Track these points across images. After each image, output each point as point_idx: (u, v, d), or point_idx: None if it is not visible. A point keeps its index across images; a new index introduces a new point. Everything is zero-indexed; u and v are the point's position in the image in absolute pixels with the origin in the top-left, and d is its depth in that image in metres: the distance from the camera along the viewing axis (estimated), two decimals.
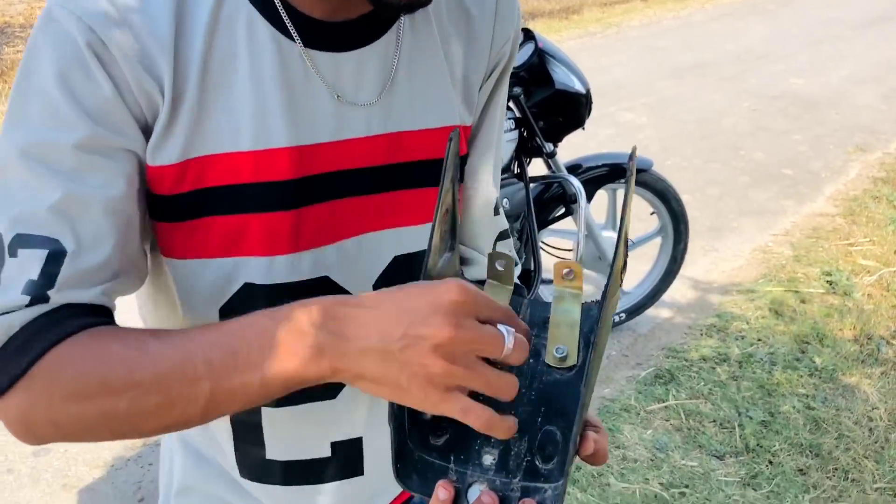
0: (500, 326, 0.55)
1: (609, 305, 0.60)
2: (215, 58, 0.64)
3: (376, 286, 0.75)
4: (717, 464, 2.32)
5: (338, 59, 0.69)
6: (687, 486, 2.23)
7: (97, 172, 0.62)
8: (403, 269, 0.77)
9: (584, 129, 2.60)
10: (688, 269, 3.36)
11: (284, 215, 0.69)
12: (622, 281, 0.60)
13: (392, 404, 0.58)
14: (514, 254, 0.90)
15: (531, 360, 0.61)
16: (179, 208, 0.67)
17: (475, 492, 0.58)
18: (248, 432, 0.80)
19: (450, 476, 0.59)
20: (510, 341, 0.54)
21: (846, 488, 2.21)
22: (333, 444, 0.81)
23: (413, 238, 0.77)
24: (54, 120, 0.60)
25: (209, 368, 0.56)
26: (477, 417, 0.54)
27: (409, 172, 0.75)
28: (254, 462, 0.81)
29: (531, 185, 2.53)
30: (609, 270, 0.59)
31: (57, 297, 0.60)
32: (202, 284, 0.70)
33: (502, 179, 2.44)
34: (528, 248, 2.48)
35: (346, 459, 0.82)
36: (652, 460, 2.33)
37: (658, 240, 2.96)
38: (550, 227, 2.76)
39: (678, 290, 3.19)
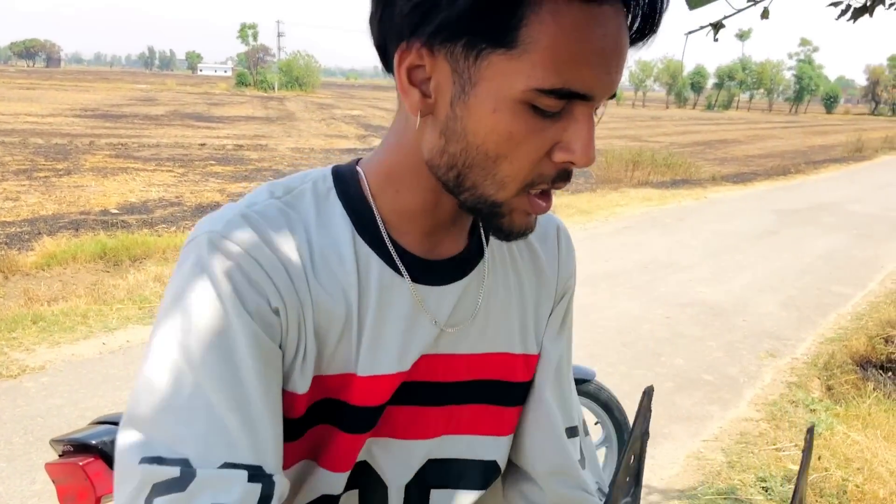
0: None
1: None
2: (341, 294, 0.78)
3: (409, 485, 0.89)
4: None
5: (440, 292, 0.83)
6: None
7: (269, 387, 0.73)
8: (436, 472, 0.89)
9: None
10: None
11: (361, 437, 0.82)
12: None
13: None
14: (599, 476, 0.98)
15: None
16: (297, 428, 0.79)
17: None
18: None
19: None
20: None
21: None
22: None
23: (453, 446, 0.90)
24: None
25: None
26: None
27: (477, 389, 0.88)
28: None
29: None
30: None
31: None
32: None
33: None
34: None
35: None
36: None
37: (603, 450, 2.99)
38: None
39: None
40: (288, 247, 0.75)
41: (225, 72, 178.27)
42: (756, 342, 5.49)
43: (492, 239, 0.90)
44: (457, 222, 0.84)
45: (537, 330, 0.92)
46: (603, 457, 2.99)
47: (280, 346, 0.74)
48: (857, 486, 3.38)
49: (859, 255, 8.67)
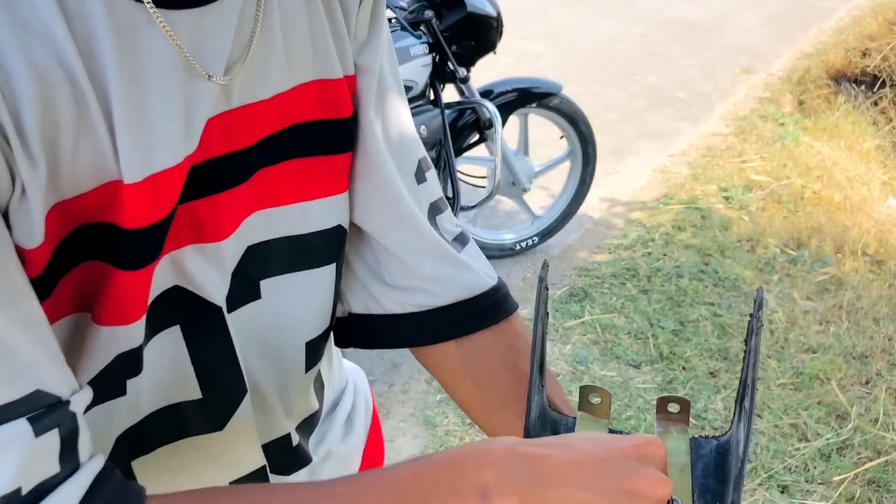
0: None
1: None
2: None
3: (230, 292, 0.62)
4: (635, 372, 2.43)
5: (197, 17, 0.50)
6: None
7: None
8: (260, 259, 0.64)
9: (495, 52, 2.59)
10: (593, 192, 3.44)
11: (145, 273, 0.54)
12: None
13: None
14: (477, 252, 0.76)
15: None
16: (43, 285, 0.49)
17: None
18: None
19: None
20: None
21: None
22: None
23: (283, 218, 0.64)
24: None
25: None
26: None
27: (293, 139, 0.61)
28: None
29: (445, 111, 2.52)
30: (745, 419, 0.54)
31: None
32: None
33: (417, 107, 2.42)
34: (446, 175, 2.49)
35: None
36: (573, 373, 2.42)
37: (567, 163, 3.02)
38: (464, 154, 2.76)
39: (585, 212, 3.28)
40: None
41: None
42: (732, 59, 5.38)
43: None
44: None
45: (351, 37, 0.63)
46: (567, 170, 3.03)
47: None
48: (815, 193, 3.49)
49: None
